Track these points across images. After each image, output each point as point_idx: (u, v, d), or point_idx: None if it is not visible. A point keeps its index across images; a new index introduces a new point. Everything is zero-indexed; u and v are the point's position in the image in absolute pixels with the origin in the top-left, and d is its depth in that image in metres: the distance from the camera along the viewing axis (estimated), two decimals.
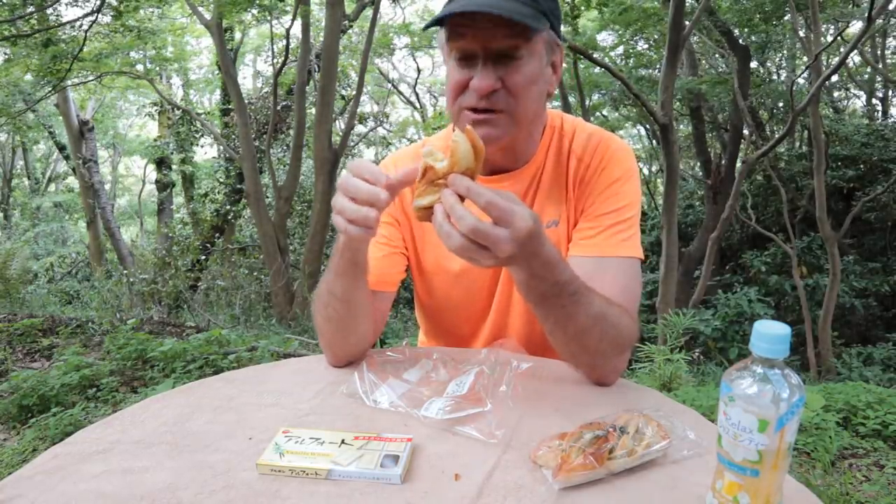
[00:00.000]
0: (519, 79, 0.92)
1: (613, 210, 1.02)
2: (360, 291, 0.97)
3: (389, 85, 16.11)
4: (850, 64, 10.71)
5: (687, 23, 5.62)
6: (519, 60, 0.91)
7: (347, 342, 1.01)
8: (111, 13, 7.32)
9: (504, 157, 1.05)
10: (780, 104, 10.33)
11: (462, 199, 0.73)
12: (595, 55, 7.09)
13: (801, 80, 9.51)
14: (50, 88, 8.33)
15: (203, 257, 9.06)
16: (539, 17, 0.90)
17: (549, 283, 0.83)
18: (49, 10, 7.59)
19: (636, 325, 0.97)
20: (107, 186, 14.73)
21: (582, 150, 1.05)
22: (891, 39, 11.30)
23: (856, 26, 7.72)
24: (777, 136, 7.76)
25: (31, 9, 7.17)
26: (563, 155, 1.07)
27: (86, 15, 7.31)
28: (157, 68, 11.56)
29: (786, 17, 8.49)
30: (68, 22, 7.55)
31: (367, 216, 0.77)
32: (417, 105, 16.20)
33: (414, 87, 16.04)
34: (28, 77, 8.03)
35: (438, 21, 0.91)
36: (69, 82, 8.90)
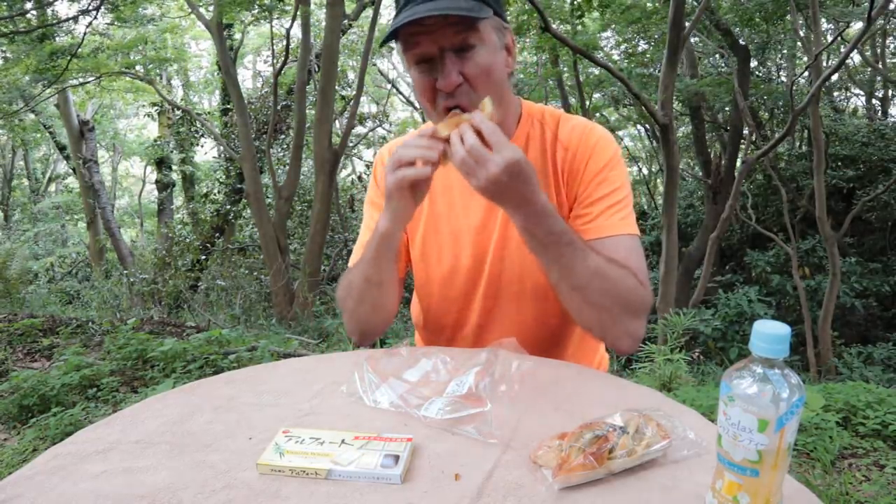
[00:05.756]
0: (477, 69, 0.97)
1: (606, 194, 1.07)
2: (392, 273, 1.09)
3: (389, 85, 16.11)
4: (850, 64, 10.71)
5: (687, 23, 5.61)
6: (472, 50, 0.96)
7: (378, 317, 1.14)
8: (109, 6, 7.31)
9: None
10: (780, 104, 10.33)
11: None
12: (596, 55, 7.09)
13: (801, 80, 9.50)
14: (49, 88, 8.33)
15: (203, 257, 9.05)
16: (480, 7, 0.94)
17: (544, 230, 0.93)
18: (48, 10, 7.59)
19: (646, 291, 1.01)
20: (107, 186, 14.72)
21: (568, 139, 1.11)
22: (891, 39, 11.29)
23: (856, 26, 7.72)
24: (777, 136, 7.75)
25: (29, 4, 7.16)
26: (548, 143, 1.12)
27: (84, 12, 7.31)
28: (157, 69, 11.56)
29: (786, 17, 8.49)
30: (67, 19, 7.55)
31: (427, 151, 0.90)
32: (417, 105, 16.19)
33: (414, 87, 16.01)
34: (26, 78, 8.02)
35: (392, 35, 0.97)
36: (69, 83, 8.90)
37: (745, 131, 9.07)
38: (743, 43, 8.52)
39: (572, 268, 0.94)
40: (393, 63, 16.21)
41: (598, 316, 0.99)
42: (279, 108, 8.65)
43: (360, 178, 11.58)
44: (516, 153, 0.87)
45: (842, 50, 6.73)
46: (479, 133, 0.88)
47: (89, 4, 7.33)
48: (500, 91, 1.02)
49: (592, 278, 0.95)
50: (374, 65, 14.31)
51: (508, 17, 7.51)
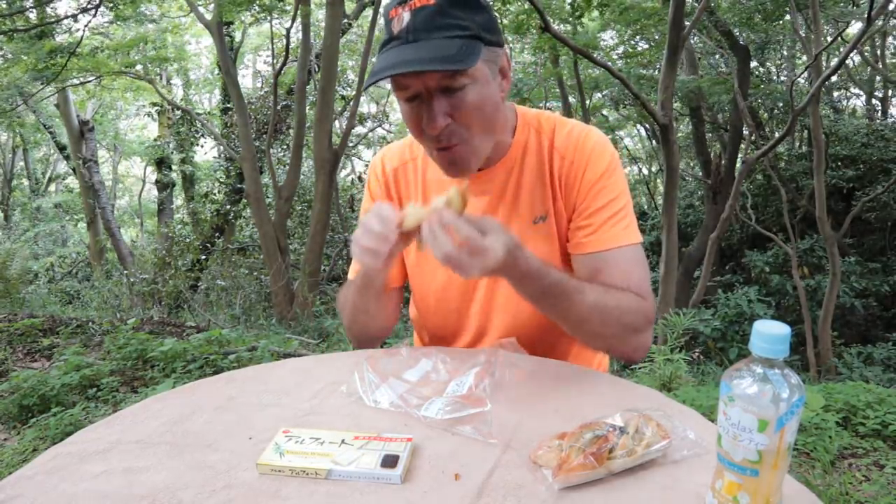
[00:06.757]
0: (466, 108, 0.94)
1: (605, 204, 1.05)
2: (379, 303, 1.14)
3: (389, 85, 16.08)
4: (850, 64, 10.71)
5: (687, 23, 5.61)
6: (461, 91, 0.92)
7: (370, 333, 1.20)
8: (109, 5, 7.31)
9: None
10: (780, 104, 10.33)
11: None
12: (596, 55, 7.09)
13: (801, 80, 9.51)
14: (47, 87, 8.32)
15: (203, 257, 9.05)
16: (470, 47, 0.90)
17: (533, 287, 0.93)
18: (48, 8, 7.59)
19: (648, 303, 1.02)
20: (107, 186, 14.71)
21: (564, 148, 1.09)
22: (891, 39, 11.30)
23: (856, 26, 7.72)
24: (777, 136, 7.75)
25: (29, 2, 7.16)
26: (545, 153, 1.10)
27: (83, 10, 7.31)
28: (157, 69, 11.55)
29: (786, 17, 8.49)
30: (67, 17, 7.54)
31: (376, 250, 0.87)
32: None
33: None
34: (25, 77, 8.01)
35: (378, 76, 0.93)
36: (69, 82, 8.90)
37: (745, 131, 9.08)
38: (743, 43, 8.52)
39: (569, 311, 0.96)
40: None
41: (604, 342, 1.03)
42: (279, 108, 8.65)
43: (360, 178, 11.59)
44: (498, 255, 0.83)
45: (842, 50, 6.73)
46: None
47: (89, 2, 7.33)
48: (491, 123, 1.00)
49: (592, 314, 0.96)
50: (374, 64, 14.27)
51: (509, 17, 7.53)
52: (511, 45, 11.03)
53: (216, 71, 12.11)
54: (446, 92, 0.92)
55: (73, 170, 12.14)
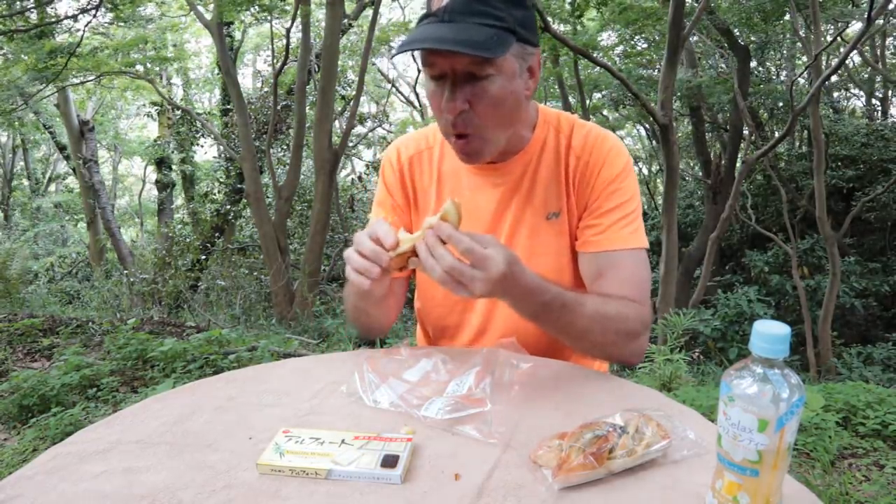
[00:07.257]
0: (486, 100, 0.95)
1: (617, 206, 1.07)
2: (379, 308, 1.14)
3: (389, 85, 16.10)
4: (850, 64, 10.71)
5: (687, 22, 5.61)
6: (485, 80, 0.94)
7: (374, 327, 1.19)
8: (108, 5, 7.32)
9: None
10: (780, 104, 10.33)
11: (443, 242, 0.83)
12: (595, 55, 7.09)
13: (801, 80, 9.51)
14: (47, 87, 8.31)
15: (203, 257, 9.05)
16: (501, 38, 0.91)
17: (534, 304, 0.92)
18: (48, 8, 7.59)
19: (646, 309, 1.03)
20: (107, 186, 14.70)
21: (581, 148, 1.10)
22: (891, 39, 11.30)
23: (856, 26, 7.72)
24: (777, 136, 7.76)
25: (29, 2, 7.17)
26: (562, 151, 1.11)
27: (83, 10, 7.32)
28: (158, 68, 11.55)
29: (786, 17, 8.49)
30: (66, 17, 7.55)
31: (368, 269, 0.87)
32: (417, 105, 16.18)
33: (414, 86, 16.04)
34: (25, 77, 8.01)
35: (408, 47, 0.94)
36: (69, 82, 8.90)
37: (745, 131, 9.08)
38: (743, 43, 8.53)
39: (571, 324, 0.96)
40: (393, 63, 16.20)
41: (602, 351, 1.04)
42: (279, 108, 8.64)
43: (360, 178, 11.58)
44: (500, 266, 0.82)
45: (842, 50, 6.72)
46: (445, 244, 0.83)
47: (88, 3, 7.34)
48: (510, 121, 1.02)
49: (592, 325, 0.97)
50: (374, 65, 14.30)
51: None
52: None
53: (216, 71, 12.11)
54: (471, 78, 0.94)
55: (73, 170, 12.13)
